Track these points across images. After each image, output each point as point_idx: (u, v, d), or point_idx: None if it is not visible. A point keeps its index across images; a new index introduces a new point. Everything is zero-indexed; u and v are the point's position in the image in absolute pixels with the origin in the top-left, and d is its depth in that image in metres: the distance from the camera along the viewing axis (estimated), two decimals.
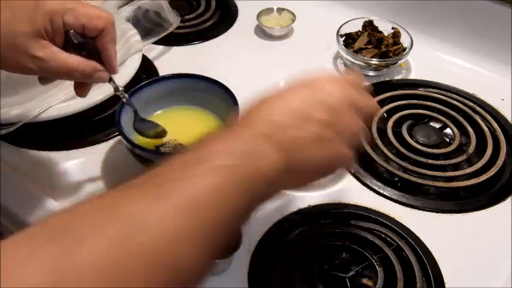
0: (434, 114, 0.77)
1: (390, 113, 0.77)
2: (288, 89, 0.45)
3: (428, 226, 0.62)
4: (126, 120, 0.64)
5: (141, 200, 0.33)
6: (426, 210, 0.65)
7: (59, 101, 0.70)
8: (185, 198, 0.33)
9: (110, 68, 0.54)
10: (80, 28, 0.50)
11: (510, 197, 0.67)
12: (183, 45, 0.92)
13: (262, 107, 0.43)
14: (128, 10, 0.81)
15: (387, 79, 0.86)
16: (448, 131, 0.76)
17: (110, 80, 0.56)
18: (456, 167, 0.70)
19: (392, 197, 0.66)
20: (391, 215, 0.63)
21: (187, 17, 0.97)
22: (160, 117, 0.71)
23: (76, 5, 0.50)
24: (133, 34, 0.80)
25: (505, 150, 0.72)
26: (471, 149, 0.71)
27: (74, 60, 0.50)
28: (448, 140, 0.75)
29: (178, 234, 0.32)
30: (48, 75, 0.53)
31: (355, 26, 0.90)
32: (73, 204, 0.32)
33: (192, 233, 0.33)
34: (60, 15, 0.49)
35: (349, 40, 0.89)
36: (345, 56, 0.86)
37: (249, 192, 0.37)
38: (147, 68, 0.84)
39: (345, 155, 0.46)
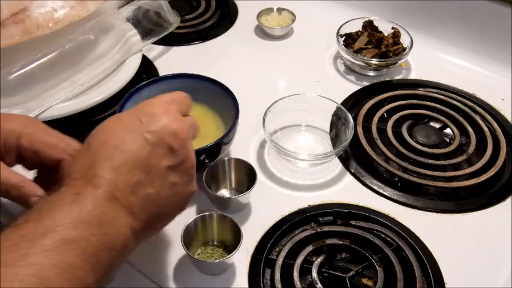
0: (434, 114, 0.77)
1: (390, 113, 0.77)
2: (123, 127, 0.42)
3: (428, 226, 0.62)
4: None
5: None
6: (426, 210, 0.65)
7: (59, 101, 0.70)
8: (22, 284, 0.31)
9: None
10: (34, 154, 0.47)
11: (510, 197, 0.67)
12: (183, 45, 0.92)
13: (103, 159, 0.39)
14: (128, 10, 0.81)
15: (387, 79, 0.86)
16: (448, 131, 0.76)
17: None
18: (456, 167, 0.70)
19: (393, 197, 0.66)
20: (391, 215, 0.63)
21: (187, 17, 0.97)
22: None
23: (36, 130, 0.47)
24: (133, 34, 0.80)
25: (505, 150, 0.72)
26: (471, 149, 0.71)
27: (15, 177, 0.45)
28: (448, 140, 0.75)
29: None
30: None
31: (355, 26, 0.90)
32: None
33: None
34: (15, 137, 0.46)
35: (349, 40, 0.89)
36: (345, 56, 0.86)
37: (101, 264, 0.36)
38: (147, 68, 0.84)
39: (194, 190, 0.46)
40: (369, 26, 0.89)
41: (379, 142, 0.71)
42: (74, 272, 0.34)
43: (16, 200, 0.45)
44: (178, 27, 0.87)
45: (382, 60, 0.83)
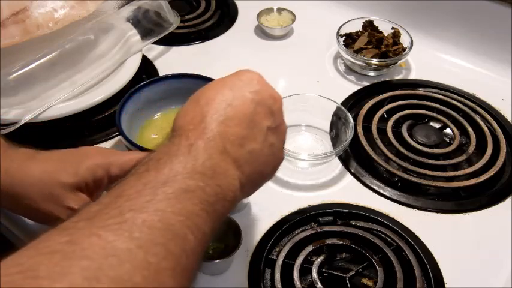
0: (434, 114, 0.77)
1: (390, 113, 0.77)
2: (227, 87, 0.43)
3: (428, 226, 0.62)
4: (126, 120, 0.64)
5: (105, 232, 0.30)
6: (426, 210, 0.65)
7: (59, 101, 0.70)
8: (150, 229, 0.31)
9: None
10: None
11: (510, 197, 0.67)
12: (183, 45, 0.92)
13: (213, 113, 0.41)
14: (128, 10, 0.81)
15: (387, 79, 0.86)
16: (448, 131, 0.76)
17: None
18: (456, 167, 0.70)
19: (393, 197, 0.66)
20: (391, 215, 0.63)
21: (187, 17, 0.97)
22: (160, 118, 0.71)
23: (117, 155, 0.51)
24: (133, 34, 0.80)
25: (505, 150, 0.72)
26: (471, 149, 0.71)
27: None
28: (448, 140, 0.75)
29: (149, 265, 0.30)
30: None
31: (355, 26, 0.90)
32: (38, 239, 0.30)
33: (167, 265, 0.31)
34: (104, 169, 0.49)
35: (349, 40, 0.89)
36: (345, 56, 0.86)
37: (216, 213, 0.37)
38: (147, 68, 0.84)
39: (283, 158, 0.47)
40: (369, 26, 0.89)
41: (379, 142, 0.71)
42: (194, 220, 0.34)
43: None
44: (178, 27, 0.87)
45: (382, 60, 0.83)
